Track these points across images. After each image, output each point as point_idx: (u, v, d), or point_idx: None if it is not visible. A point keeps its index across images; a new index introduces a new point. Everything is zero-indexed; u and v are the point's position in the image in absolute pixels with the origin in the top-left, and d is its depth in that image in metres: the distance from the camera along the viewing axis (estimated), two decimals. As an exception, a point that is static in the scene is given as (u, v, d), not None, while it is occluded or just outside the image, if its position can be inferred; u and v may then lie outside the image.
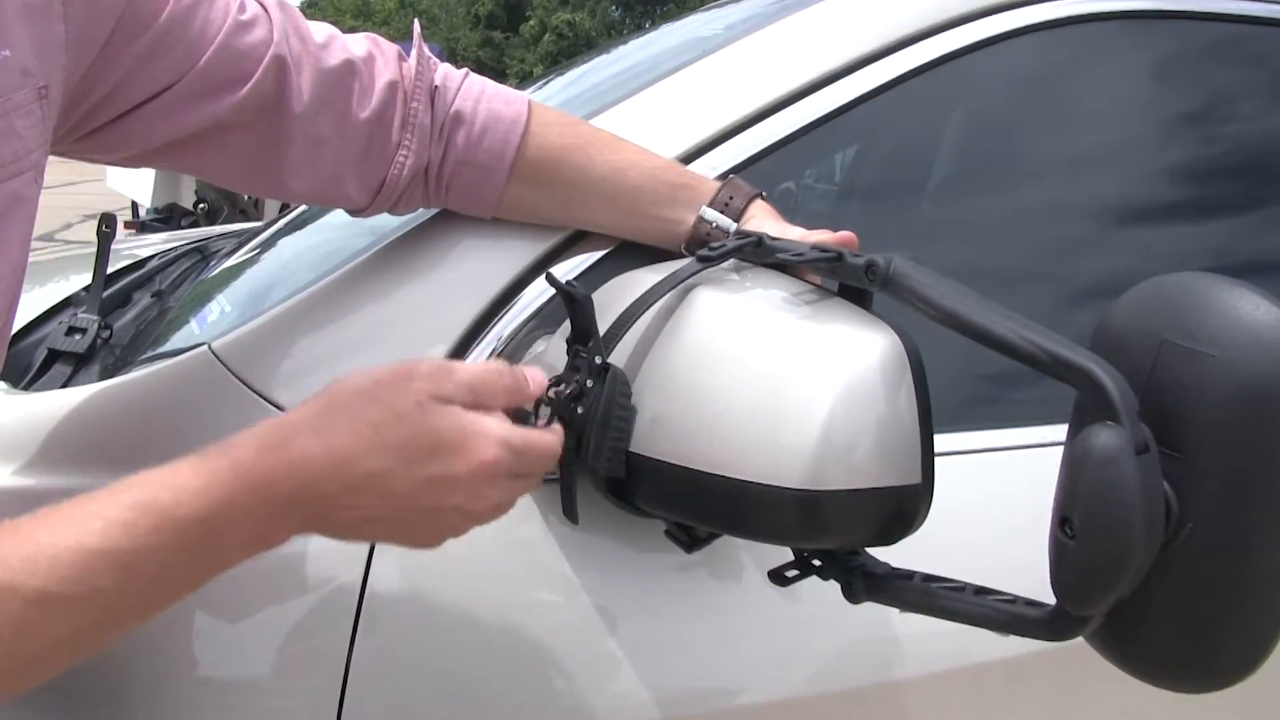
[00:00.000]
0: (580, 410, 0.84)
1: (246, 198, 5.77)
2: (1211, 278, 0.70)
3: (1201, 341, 0.67)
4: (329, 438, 0.72)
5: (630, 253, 1.07)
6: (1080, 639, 0.72)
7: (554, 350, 0.92)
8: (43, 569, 0.64)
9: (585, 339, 0.84)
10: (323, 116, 1.01)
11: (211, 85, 0.95)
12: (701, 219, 1.05)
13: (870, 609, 0.85)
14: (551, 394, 0.84)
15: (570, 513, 0.90)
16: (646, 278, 0.91)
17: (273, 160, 1.01)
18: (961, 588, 0.77)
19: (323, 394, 0.75)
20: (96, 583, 0.65)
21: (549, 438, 0.80)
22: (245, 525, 0.71)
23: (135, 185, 6.09)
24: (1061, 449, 0.72)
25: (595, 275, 1.05)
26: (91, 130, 0.95)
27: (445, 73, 1.09)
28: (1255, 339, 0.65)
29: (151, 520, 0.67)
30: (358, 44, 1.06)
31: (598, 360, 0.84)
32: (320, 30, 1.05)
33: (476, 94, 1.08)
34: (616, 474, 0.83)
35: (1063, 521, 0.66)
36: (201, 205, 5.83)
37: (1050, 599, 0.71)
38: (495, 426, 0.76)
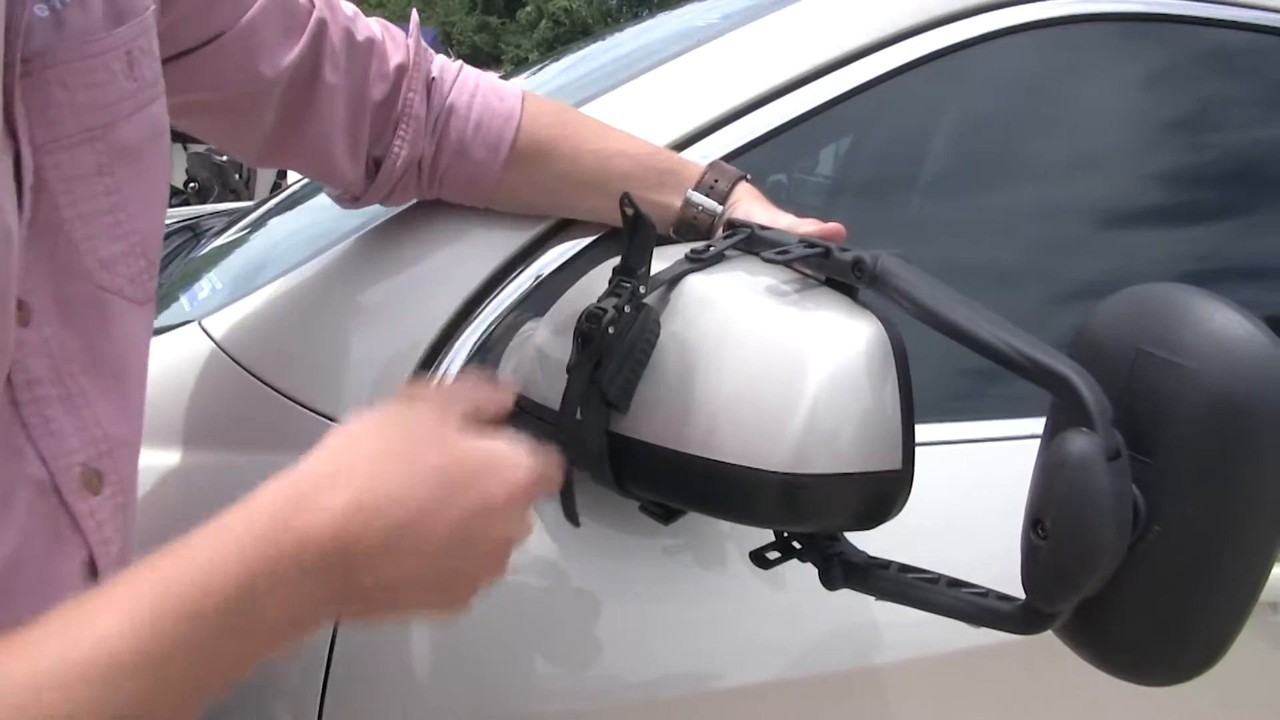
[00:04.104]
0: (612, 331, 0.81)
1: (237, 177, 5.75)
2: (1188, 290, 0.71)
3: (1176, 352, 0.68)
4: (352, 491, 0.61)
5: (618, 238, 1.08)
6: (1050, 631, 0.74)
7: (542, 333, 0.92)
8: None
9: (633, 270, 0.84)
10: (345, 91, 1.01)
11: (260, 41, 0.94)
12: (688, 202, 1.06)
13: (852, 596, 0.86)
14: (590, 308, 0.81)
15: (571, 514, 0.89)
16: None
17: (293, 129, 1.00)
18: (936, 579, 0.79)
19: (328, 445, 0.65)
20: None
21: (550, 451, 0.72)
22: (276, 599, 0.59)
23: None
24: (1037, 443, 0.73)
25: (582, 262, 1.07)
26: None
27: (441, 65, 1.08)
28: (1227, 352, 0.66)
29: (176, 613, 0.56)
30: (373, 23, 1.06)
31: (641, 290, 0.83)
32: (346, 5, 1.04)
33: (471, 88, 1.08)
34: (621, 408, 0.82)
35: (1035, 523, 0.67)
36: (192, 184, 5.82)
37: (1021, 590, 0.72)
38: (510, 445, 0.69)
